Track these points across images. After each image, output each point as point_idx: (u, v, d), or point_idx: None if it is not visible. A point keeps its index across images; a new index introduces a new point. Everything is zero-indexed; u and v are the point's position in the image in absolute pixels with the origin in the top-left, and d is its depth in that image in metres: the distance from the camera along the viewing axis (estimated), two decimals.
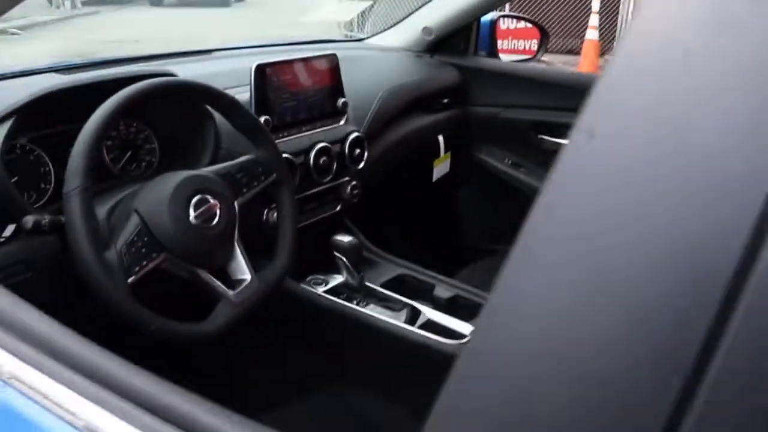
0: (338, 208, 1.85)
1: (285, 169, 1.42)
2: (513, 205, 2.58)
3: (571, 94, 2.33)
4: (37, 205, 1.36)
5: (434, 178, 2.42)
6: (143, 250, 1.14)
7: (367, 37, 2.61)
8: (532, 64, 2.61)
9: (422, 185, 2.46)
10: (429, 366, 1.54)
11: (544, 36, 2.69)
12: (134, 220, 1.16)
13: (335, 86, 1.78)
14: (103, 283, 1.07)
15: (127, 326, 1.11)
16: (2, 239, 1.21)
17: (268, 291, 1.32)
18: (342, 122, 1.82)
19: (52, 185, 1.40)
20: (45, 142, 1.41)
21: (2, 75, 1.63)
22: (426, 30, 2.40)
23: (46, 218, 1.17)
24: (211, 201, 1.22)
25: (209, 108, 1.48)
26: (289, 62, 1.65)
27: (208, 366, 1.74)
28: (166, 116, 1.54)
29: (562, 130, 2.39)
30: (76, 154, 1.09)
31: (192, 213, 1.19)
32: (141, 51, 2.10)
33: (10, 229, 1.22)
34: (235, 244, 1.30)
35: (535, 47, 2.78)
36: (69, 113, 1.41)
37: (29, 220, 1.15)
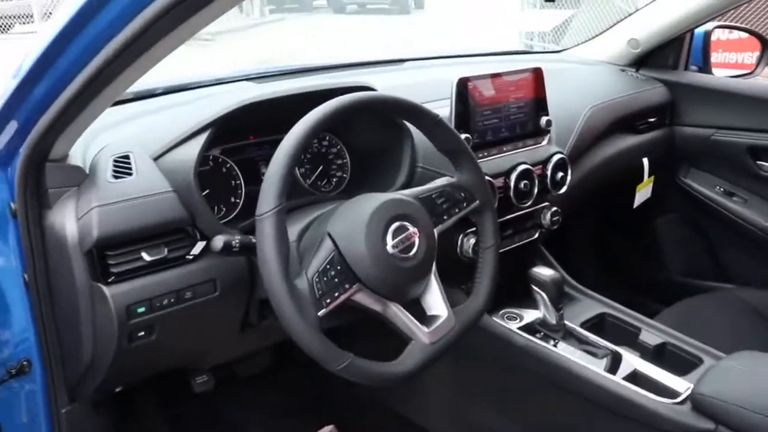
0: (536, 235, 1.69)
1: (489, 195, 1.28)
2: (723, 239, 2.33)
3: None
4: (225, 220, 1.31)
5: (635, 204, 2.20)
6: (336, 279, 1.04)
7: (565, 49, 2.44)
8: (752, 81, 2.32)
9: (621, 212, 2.25)
10: (635, 425, 1.35)
11: (765, 47, 2.38)
12: (327, 245, 1.06)
13: (539, 103, 1.63)
14: (292, 316, 0.98)
15: (313, 359, 1.02)
16: (191, 257, 1.16)
17: (465, 332, 1.19)
18: (544, 142, 1.66)
19: (242, 200, 1.35)
20: (237, 154, 1.36)
21: (198, 84, 1.62)
22: (632, 42, 2.19)
23: (237, 239, 1.11)
24: (410, 229, 1.11)
25: (407, 124, 1.38)
26: (492, 76, 1.52)
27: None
28: (360, 131, 1.46)
29: None
30: (272, 173, 1.01)
31: (390, 241, 1.08)
32: (332, 59, 2.05)
33: (199, 247, 1.17)
34: (432, 276, 1.17)
35: (750, 60, 2.48)
36: (262, 124, 1.36)
37: (219, 240, 1.10)
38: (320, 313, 1.00)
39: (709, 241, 2.36)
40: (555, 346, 1.48)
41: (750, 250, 2.22)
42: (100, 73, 0.86)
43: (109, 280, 1.09)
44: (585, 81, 2.06)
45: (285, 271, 0.98)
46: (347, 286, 1.04)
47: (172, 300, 1.14)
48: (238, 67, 1.78)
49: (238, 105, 1.23)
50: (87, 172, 1.13)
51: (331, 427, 1.87)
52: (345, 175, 1.49)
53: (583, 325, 1.57)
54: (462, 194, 1.23)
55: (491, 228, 1.27)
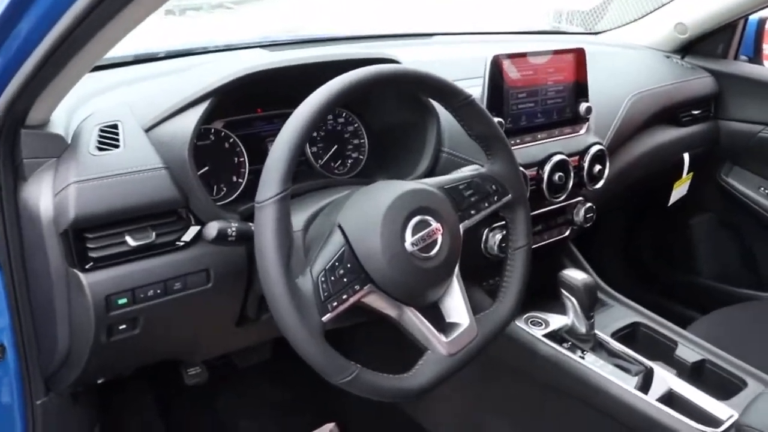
0: (567, 233, 1.54)
1: (523, 189, 1.13)
2: (763, 244, 2.17)
3: None
4: (224, 202, 1.17)
5: (670, 202, 2.05)
6: (344, 279, 0.90)
7: (603, 31, 2.27)
8: None
9: (654, 209, 2.10)
10: None
11: None
12: (337, 239, 0.92)
13: (580, 87, 1.48)
14: (292, 321, 0.84)
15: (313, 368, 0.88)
16: (182, 243, 1.03)
17: (487, 343, 1.05)
18: (582, 131, 1.51)
19: (245, 179, 1.21)
20: (241, 128, 1.22)
21: (204, 49, 1.48)
22: (679, 27, 2.03)
23: (234, 226, 0.97)
24: (433, 225, 0.96)
25: (434, 103, 1.24)
26: (529, 55, 1.36)
27: None
28: (381, 109, 1.32)
29: None
30: (276, 153, 0.87)
31: (409, 238, 0.94)
32: (354, 30, 1.90)
33: (192, 232, 1.04)
34: (455, 278, 1.03)
35: None
36: (272, 97, 1.22)
37: (213, 227, 0.96)
38: (324, 319, 0.87)
39: (747, 246, 2.20)
40: (583, 358, 1.34)
41: None
42: (71, 33, 0.73)
43: (87, 266, 0.95)
44: (627, 66, 1.89)
45: (286, 268, 0.84)
46: (357, 287, 0.91)
47: (159, 291, 1.01)
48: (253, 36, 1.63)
49: (243, 72, 1.08)
50: (69, 141, 1.00)
51: (332, 425, 1.74)
52: (361, 157, 1.35)
53: (614, 335, 1.43)
54: (493, 186, 1.09)
55: (524, 226, 1.13)
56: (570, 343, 1.37)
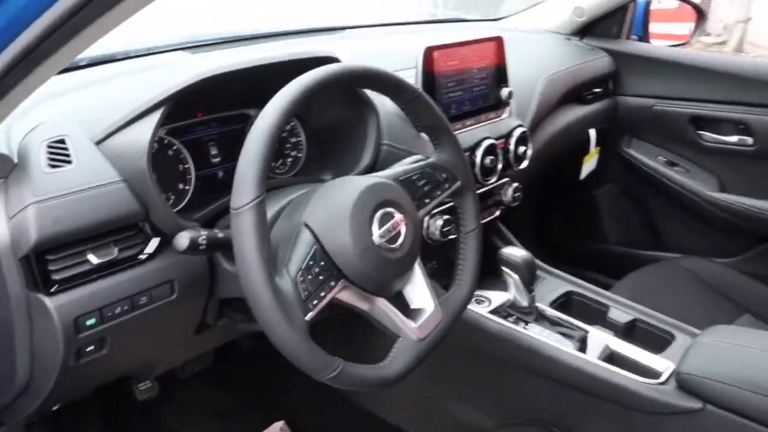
0: (497, 213, 1.61)
1: (470, 175, 1.18)
2: (664, 209, 2.33)
3: (741, 84, 2.05)
4: (176, 209, 1.16)
5: (582, 176, 2.17)
6: (320, 277, 0.91)
7: (502, 17, 2.36)
8: (694, 51, 2.31)
9: (569, 184, 2.21)
10: (618, 408, 1.30)
11: (701, 17, 2.38)
12: (306, 238, 0.94)
13: (500, 74, 1.55)
14: (279, 323, 0.85)
15: (299, 368, 0.90)
16: (145, 256, 1.02)
17: (453, 324, 1.10)
18: (505, 115, 1.58)
19: (192, 186, 1.20)
20: (183, 134, 1.20)
21: (126, 54, 1.45)
22: (577, 10, 2.14)
23: (203, 234, 0.96)
24: (397, 216, 0.99)
25: (372, 98, 1.27)
26: (456, 45, 1.42)
27: None
28: (318, 106, 1.33)
29: (726, 126, 2.11)
30: (249, 158, 0.87)
31: (376, 231, 0.96)
32: (264, 27, 1.89)
33: (154, 244, 1.03)
34: (417, 266, 1.07)
35: (678, 31, 2.47)
36: (210, 100, 1.21)
37: (184, 237, 0.94)
38: (308, 318, 0.89)
39: (649, 212, 2.36)
40: (527, 329, 1.41)
41: (691, 219, 2.23)
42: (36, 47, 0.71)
43: (52, 290, 0.93)
44: (535, 50, 1.99)
45: (269, 272, 0.85)
46: (332, 283, 0.93)
47: (126, 307, 0.99)
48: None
49: (199, 78, 1.06)
50: (15, 160, 0.97)
51: (281, 423, 1.75)
52: (300, 155, 1.36)
53: (551, 305, 1.51)
54: (443, 175, 1.13)
55: (473, 210, 1.18)
56: (514, 316, 1.44)
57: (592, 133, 2.11)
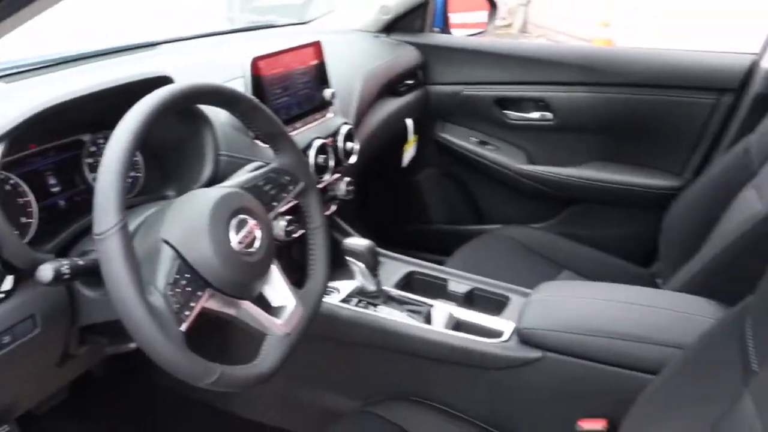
0: (334, 208, 1.70)
1: (311, 175, 1.26)
2: (481, 185, 2.53)
3: (534, 66, 2.28)
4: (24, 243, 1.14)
5: (404, 163, 2.31)
6: (188, 288, 0.95)
7: (311, 21, 2.45)
8: (490, 38, 2.52)
9: (394, 172, 2.35)
10: (471, 370, 1.43)
11: (492, 7, 2.60)
12: (167, 254, 0.97)
13: (322, 76, 1.63)
14: (155, 337, 0.88)
15: (181, 378, 0.94)
16: (3, 294, 1.00)
17: (314, 315, 1.17)
18: (330, 114, 1.67)
19: (36, 218, 1.18)
20: (18, 167, 1.18)
21: None
22: (383, 9, 2.28)
23: (65, 264, 0.96)
24: (251, 222, 1.05)
25: (206, 111, 1.31)
26: (280, 53, 1.48)
27: None
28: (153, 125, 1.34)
29: (527, 104, 2.33)
30: (106, 184, 0.89)
31: (234, 238, 1.02)
32: (72, 49, 1.84)
33: (9, 281, 1.01)
34: (273, 266, 1.14)
35: (480, 18, 2.68)
36: (42, 130, 1.19)
37: (47, 269, 0.93)
38: (183, 328, 0.93)
39: (468, 189, 2.55)
40: (377, 311, 1.51)
41: (506, 192, 2.44)
42: None
43: None
44: (349, 50, 2.09)
45: (141, 290, 0.88)
46: (200, 293, 0.97)
47: None
48: None
49: (34, 112, 1.05)
50: None
51: None
52: (139, 175, 1.37)
53: (396, 286, 1.63)
54: (286, 178, 1.20)
55: (317, 207, 1.26)
56: (364, 302, 1.54)
57: (409, 122, 2.25)
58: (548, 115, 2.30)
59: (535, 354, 1.37)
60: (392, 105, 2.15)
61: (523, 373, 1.39)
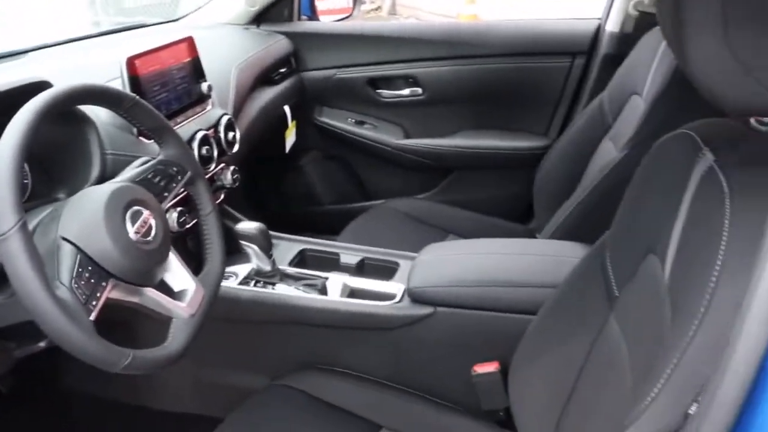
0: (222, 197, 1.76)
1: (197, 165, 1.32)
2: (363, 164, 2.64)
3: (402, 45, 2.40)
4: None
5: (287, 150, 2.39)
6: (92, 280, 1.00)
7: (179, 18, 2.47)
8: (357, 22, 2.63)
9: (278, 159, 2.42)
10: (372, 333, 1.54)
11: None
12: (67, 250, 1.01)
13: (197, 70, 1.68)
14: (67, 328, 0.93)
15: (96, 366, 0.99)
16: None
17: (215, 295, 1.24)
18: (209, 107, 1.72)
19: None
20: None
21: None
22: (250, 1, 2.33)
23: None
24: (145, 213, 1.11)
25: (87, 112, 1.34)
26: (154, 51, 1.52)
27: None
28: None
29: (398, 81, 2.46)
30: (0, 187, 0.93)
31: (131, 229, 1.07)
32: None
33: None
34: (171, 253, 1.20)
35: (345, 4, 2.78)
36: None
37: None
38: (92, 318, 0.98)
39: (352, 169, 2.65)
40: (274, 289, 1.59)
41: (388, 168, 2.56)
42: None
43: None
44: (220, 44, 2.14)
45: (48, 285, 0.93)
46: (104, 284, 1.02)
47: None
48: None
49: None
50: None
51: None
52: (26, 181, 1.39)
53: (290, 264, 1.71)
54: (174, 169, 1.26)
55: (206, 195, 1.32)
56: (262, 282, 1.61)
57: (287, 109, 2.32)
58: (418, 90, 2.43)
59: (427, 310, 1.49)
60: (268, 94, 2.21)
61: (417, 330, 1.51)
